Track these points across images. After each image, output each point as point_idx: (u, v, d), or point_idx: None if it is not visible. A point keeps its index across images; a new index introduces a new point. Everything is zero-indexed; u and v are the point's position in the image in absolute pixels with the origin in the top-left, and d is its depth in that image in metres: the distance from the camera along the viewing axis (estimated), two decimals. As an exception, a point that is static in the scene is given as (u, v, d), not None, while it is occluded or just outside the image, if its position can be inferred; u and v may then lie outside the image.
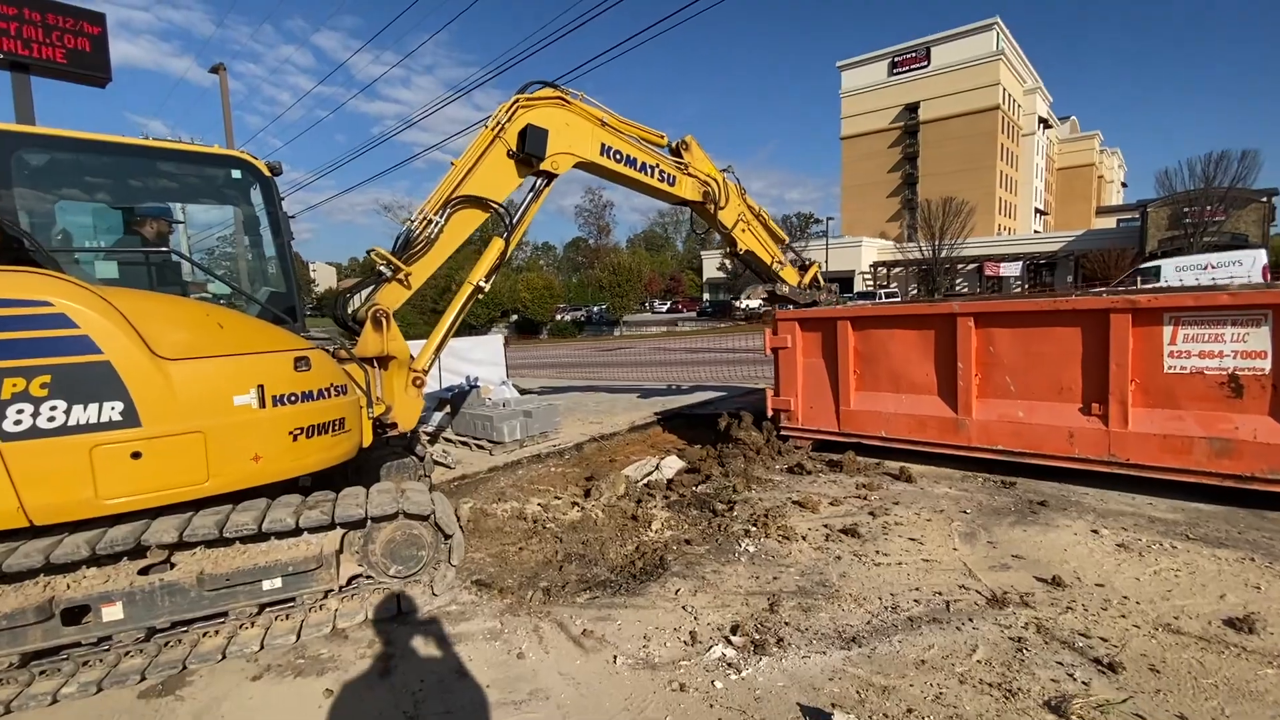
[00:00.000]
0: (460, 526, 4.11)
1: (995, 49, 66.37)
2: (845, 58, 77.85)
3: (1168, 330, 4.51)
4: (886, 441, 6.02)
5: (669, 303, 78.34)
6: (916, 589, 3.66)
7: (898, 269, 59.07)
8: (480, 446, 8.26)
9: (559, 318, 60.38)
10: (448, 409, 9.23)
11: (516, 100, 5.63)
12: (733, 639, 3.23)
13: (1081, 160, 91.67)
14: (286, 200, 4.96)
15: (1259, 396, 4.25)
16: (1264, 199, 41.46)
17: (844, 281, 62.20)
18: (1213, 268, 20.64)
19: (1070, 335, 4.93)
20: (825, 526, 4.66)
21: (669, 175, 6.96)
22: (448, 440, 8.82)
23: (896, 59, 73.15)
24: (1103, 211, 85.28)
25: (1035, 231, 72.19)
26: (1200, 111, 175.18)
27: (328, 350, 4.21)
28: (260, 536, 3.48)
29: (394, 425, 5.14)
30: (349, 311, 4.96)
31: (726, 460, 6.61)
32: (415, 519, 3.91)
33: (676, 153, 7.10)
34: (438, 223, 5.14)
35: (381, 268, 4.99)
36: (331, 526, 3.67)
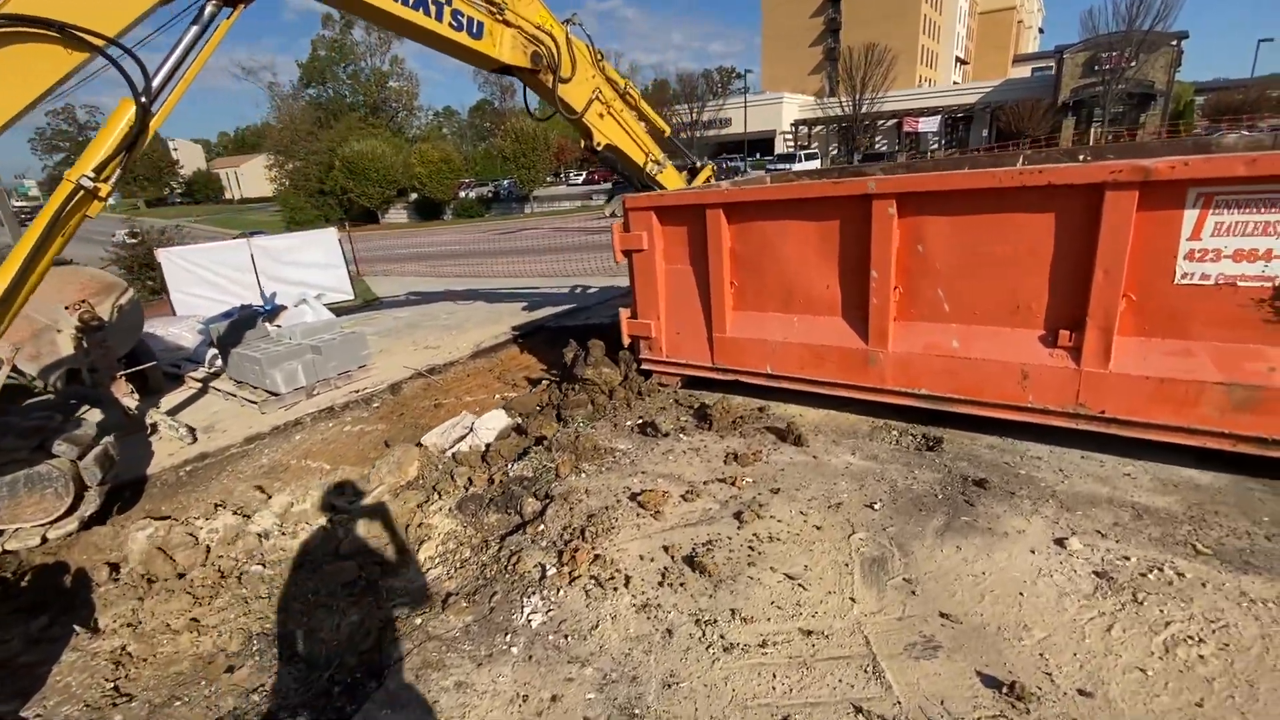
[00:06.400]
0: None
1: None
2: (765, -124, 68.36)
3: (1191, 216, 2.83)
4: (773, 380, 4.34)
5: (584, 173, 72.80)
6: None
7: (819, 127, 56.23)
8: (254, 401, 6.08)
9: (463, 194, 54.82)
10: (218, 346, 6.83)
11: None
12: None
13: (1003, 3, 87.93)
14: None
15: (1318, 321, 2.72)
16: (1174, 43, 40.67)
17: (764, 144, 58.98)
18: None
19: (1038, 226, 3.18)
20: (665, 550, 2.99)
21: (472, 22, 4.41)
22: (222, 391, 6.53)
23: (821, -123, 64.81)
24: (1019, 60, 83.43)
25: (955, 83, 69.99)
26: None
27: None
28: None
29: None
30: None
31: (567, 411, 4.81)
32: None
33: None
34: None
35: None
36: None
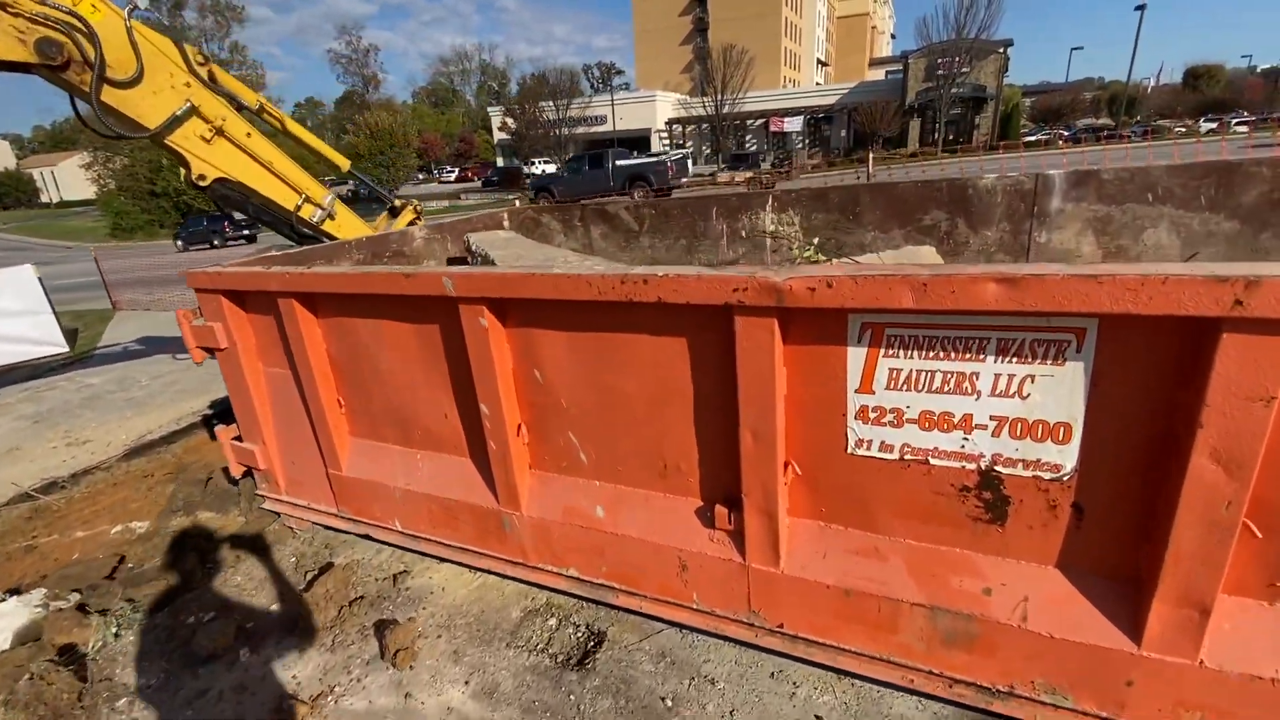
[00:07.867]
0: None
1: (781, -128, 61.37)
2: None
3: (856, 357, 1.77)
4: (407, 538, 3.01)
5: (456, 170, 68.88)
6: None
7: (691, 127, 56.39)
8: None
9: (318, 196, 49.74)
10: None
11: None
12: None
13: (857, 9, 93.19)
14: None
15: (1041, 525, 1.74)
16: (1001, 50, 44.27)
17: (640, 142, 58.31)
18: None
19: (670, 354, 2.04)
20: None
21: None
22: None
23: (684, -125, 65.11)
24: (875, 63, 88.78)
25: (817, 84, 73.05)
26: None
27: None
28: None
29: None
30: None
31: (133, 590, 3.22)
32: None
33: None
34: None
35: None
36: None
